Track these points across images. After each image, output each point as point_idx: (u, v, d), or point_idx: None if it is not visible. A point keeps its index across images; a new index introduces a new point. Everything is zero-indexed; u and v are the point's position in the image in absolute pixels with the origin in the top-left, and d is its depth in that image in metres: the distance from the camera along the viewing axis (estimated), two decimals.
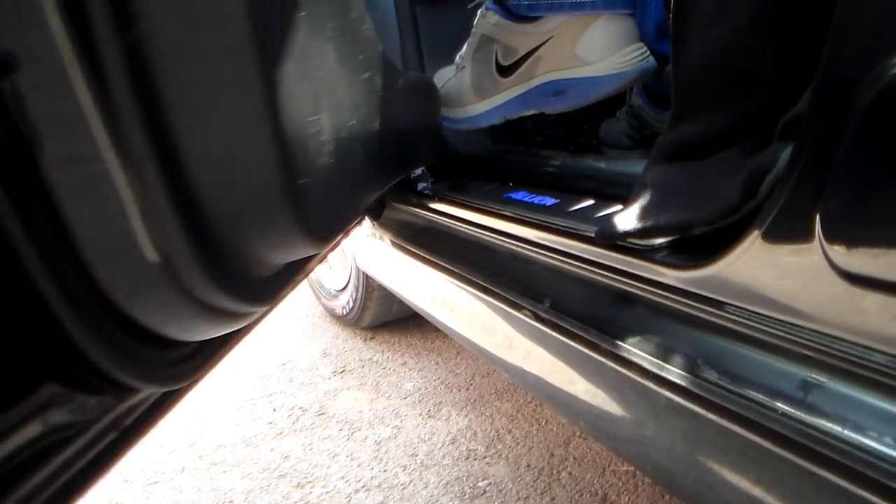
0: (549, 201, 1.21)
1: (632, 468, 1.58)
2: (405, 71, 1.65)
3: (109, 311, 0.67)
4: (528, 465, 1.66)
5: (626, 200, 0.97)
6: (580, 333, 0.98)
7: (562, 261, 1.09)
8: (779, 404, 0.68)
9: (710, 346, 0.78)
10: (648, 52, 1.28)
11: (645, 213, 0.90)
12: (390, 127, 1.31)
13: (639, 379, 0.87)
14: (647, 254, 0.89)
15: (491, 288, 1.23)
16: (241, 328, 0.99)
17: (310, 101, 0.90)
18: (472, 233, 1.37)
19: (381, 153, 1.27)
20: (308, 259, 1.12)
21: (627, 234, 0.92)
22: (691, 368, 0.77)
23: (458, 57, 1.55)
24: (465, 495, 1.63)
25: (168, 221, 0.64)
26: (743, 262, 0.73)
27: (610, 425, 0.99)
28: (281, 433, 2.03)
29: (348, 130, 1.05)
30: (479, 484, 1.62)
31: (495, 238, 1.29)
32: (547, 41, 1.34)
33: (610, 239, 0.95)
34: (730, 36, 0.79)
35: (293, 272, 1.07)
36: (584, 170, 1.27)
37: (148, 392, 0.82)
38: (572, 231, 1.06)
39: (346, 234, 1.44)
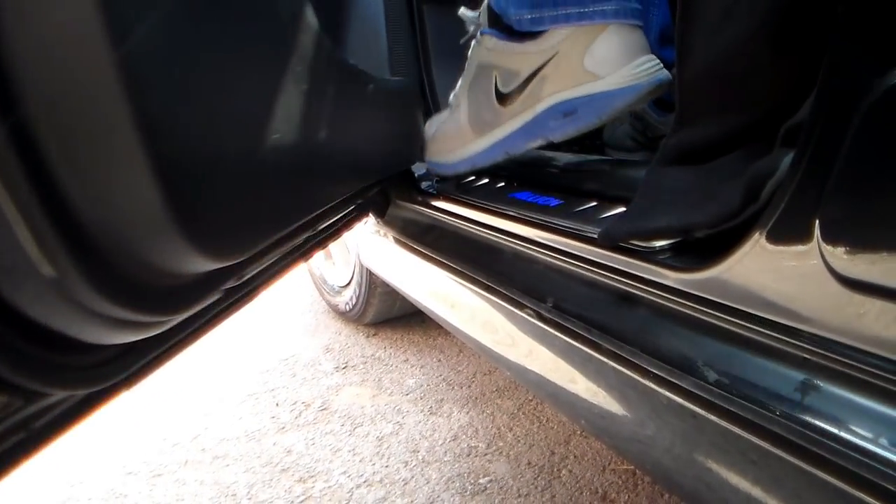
0: (554, 202, 1.22)
1: (632, 467, 1.59)
2: (395, 74, 1.59)
3: (12, 320, 0.76)
4: (529, 463, 1.67)
5: (629, 202, 0.97)
6: (582, 333, 0.99)
7: (565, 261, 1.10)
8: (777, 406, 0.69)
9: (710, 347, 0.79)
10: (661, 64, 1.19)
11: (648, 216, 0.91)
12: (354, 133, 1.33)
13: (639, 379, 0.88)
14: (649, 255, 0.90)
15: (494, 286, 1.24)
16: (187, 334, 1.14)
17: (203, 123, 0.92)
18: (476, 232, 1.38)
19: (338, 160, 1.29)
20: (239, 266, 1.12)
21: (630, 235, 0.93)
22: (691, 369, 0.78)
23: (451, 97, 1.46)
24: (466, 492, 1.64)
25: (56, 245, 0.75)
26: (743, 266, 0.74)
27: (610, 424, 1.00)
28: (283, 428, 2.04)
29: (266, 144, 1.04)
30: (481, 480, 1.63)
31: (499, 237, 1.30)
32: (552, 58, 1.23)
33: (613, 240, 0.96)
34: (734, 42, 0.79)
35: (217, 281, 1.08)
36: (589, 171, 1.28)
37: (63, 395, 0.90)
38: (576, 232, 1.07)
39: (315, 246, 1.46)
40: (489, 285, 1.26)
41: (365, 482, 1.75)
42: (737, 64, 0.81)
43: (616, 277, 0.97)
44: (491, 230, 1.33)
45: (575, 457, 1.68)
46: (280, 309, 3.11)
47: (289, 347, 2.64)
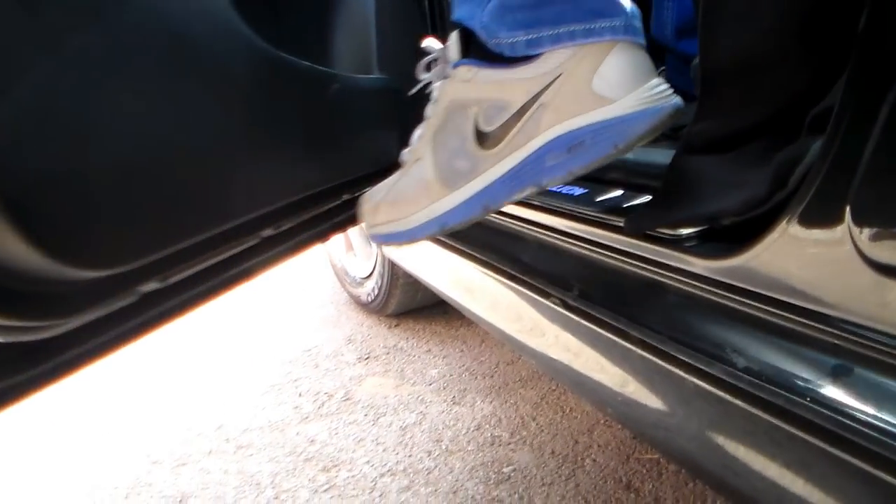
0: (578, 191, 1.21)
1: (656, 456, 1.59)
2: (383, 71, 1.51)
3: None
4: (553, 452, 1.68)
5: (654, 191, 0.98)
6: (609, 321, 0.99)
7: (590, 250, 1.10)
8: (808, 392, 0.69)
9: (738, 334, 0.79)
10: (673, 89, 1.03)
11: (674, 204, 0.91)
12: (304, 134, 1.30)
13: (667, 366, 0.88)
14: (676, 243, 0.90)
15: (518, 276, 1.24)
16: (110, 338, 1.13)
17: (55, 137, 0.93)
18: (499, 221, 1.38)
19: (278, 161, 1.27)
20: (153, 269, 1.13)
21: (657, 224, 0.93)
22: (720, 356, 0.78)
23: (404, 153, 1.20)
24: (489, 480, 1.64)
25: None
26: (772, 252, 0.74)
27: (637, 412, 1.00)
28: (307, 418, 2.05)
29: (149, 153, 1.04)
30: (504, 469, 1.64)
31: (523, 227, 1.31)
32: (554, 81, 1.03)
33: (640, 229, 0.96)
34: (761, 33, 0.79)
35: (120, 287, 1.09)
36: (613, 160, 1.27)
37: None
38: (601, 220, 1.07)
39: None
40: (513, 274, 1.26)
41: (388, 471, 1.75)
42: (764, 54, 0.81)
43: (643, 265, 0.97)
44: (514, 220, 1.33)
45: (599, 446, 1.68)
46: (302, 300, 3.12)
47: (311, 338, 2.65)
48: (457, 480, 1.67)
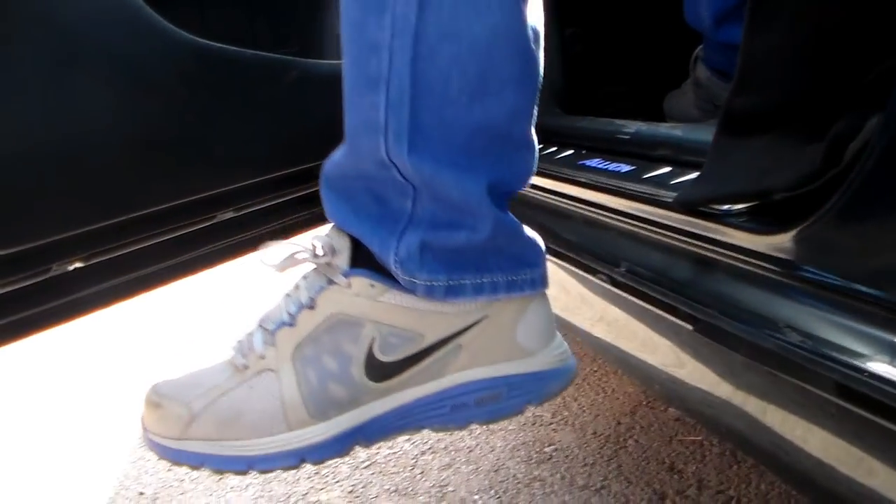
0: (625, 168, 1.20)
1: (700, 438, 1.58)
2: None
3: None
4: (595, 433, 1.67)
5: (703, 167, 0.96)
6: (658, 297, 0.98)
7: (638, 226, 1.09)
8: (865, 367, 0.68)
9: (791, 309, 0.78)
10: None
11: (724, 180, 0.90)
12: (248, 121, 1.27)
13: (717, 341, 0.87)
14: (726, 219, 0.89)
15: (564, 252, 1.24)
16: None
17: None
18: (544, 199, 1.37)
19: (212, 149, 1.24)
20: (61, 249, 1.12)
21: (707, 199, 0.92)
22: (773, 331, 0.77)
23: (238, 351, 0.95)
24: (531, 460, 1.64)
25: None
26: (825, 229, 0.73)
27: (686, 388, 0.99)
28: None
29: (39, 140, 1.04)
30: (546, 449, 1.64)
31: (568, 204, 1.30)
32: (477, 323, 0.94)
33: (689, 205, 0.95)
34: (818, 10, 0.78)
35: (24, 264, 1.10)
36: (660, 137, 1.25)
37: None
38: (649, 197, 1.06)
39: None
40: (559, 251, 1.25)
41: (430, 449, 1.75)
42: (820, 32, 0.79)
43: (692, 241, 0.96)
44: (560, 197, 1.32)
45: (641, 427, 1.67)
46: None
47: None
48: (498, 459, 1.67)
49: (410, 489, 1.65)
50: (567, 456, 1.60)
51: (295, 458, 0.90)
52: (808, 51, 0.82)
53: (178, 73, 1.17)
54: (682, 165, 1.12)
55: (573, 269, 1.20)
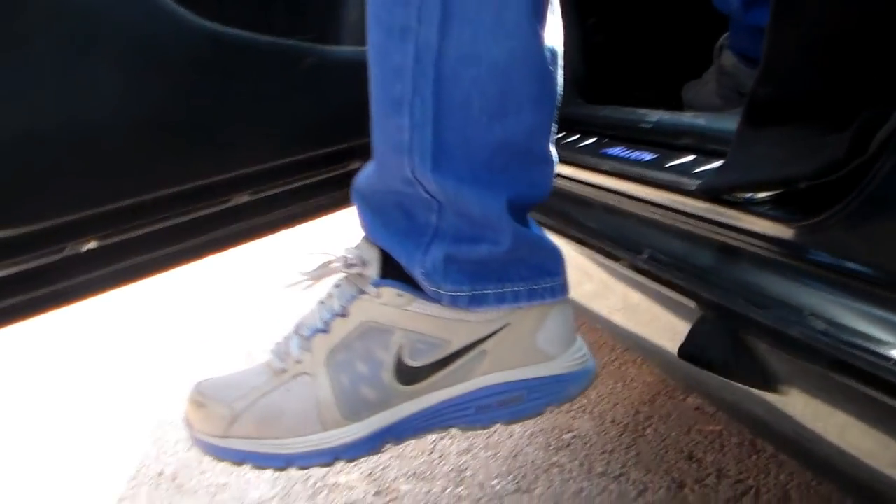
0: (647, 156, 1.20)
1: (719, 428, 1.58)
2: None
3: None
4: (613, 421, 1.67)
5: (727, 155, 0.97)
6: (680, 283, 0.98)
7: (661, 214, 1.09)
8: (889, 355, 0.68)
9: (816, 297, 0.78)
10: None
11: (748, 167, 0.90)
12: (272, 103, 1.28)
13: (741, 328, 0.87)
14: (750, 207, 0.89)
15: (586, 239, 1.24)
16: None
17: None
18: (565, 187, 1.37)
19: (225, 133, 1.24)
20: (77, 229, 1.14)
21: (731, 187, 0.92)
22: (797, 319, 0.77)
23: (275, 355, 1.03)
24: (549, 446, 1.64)
25: None
26: (850, 218, 0.74)
27: (707, 375, 0.99)
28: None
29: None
30: (564, 436, 1.64)
31: (590, 192, 1.30)
32: (499, 330, 0.99)
33: (713, 192, 0.95)
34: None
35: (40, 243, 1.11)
36: (683, 126, 1.25)
37: None
38: (673, 184, 1.06)
39: None
40: (580, 238, 1.25)
41: (448, 434, 1.76)
42: (847, 20, 0.79)
43: (715, 229, 0.96)
44: (582, 185, 1.32)
45: (660, 416, 1.67)
46: None
47: None
48: (516, 445, 1.68)
49: (429, 473, 1.66)
50: (586, 443, 1.61)
51: (329, 456, 0.97)
52: (834, 39, 0.81)
53: (194, 57, 1.18)
54: (705, 154, 1.12)
55: (595, 256, 1.21)
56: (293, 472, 1.56)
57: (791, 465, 1.41)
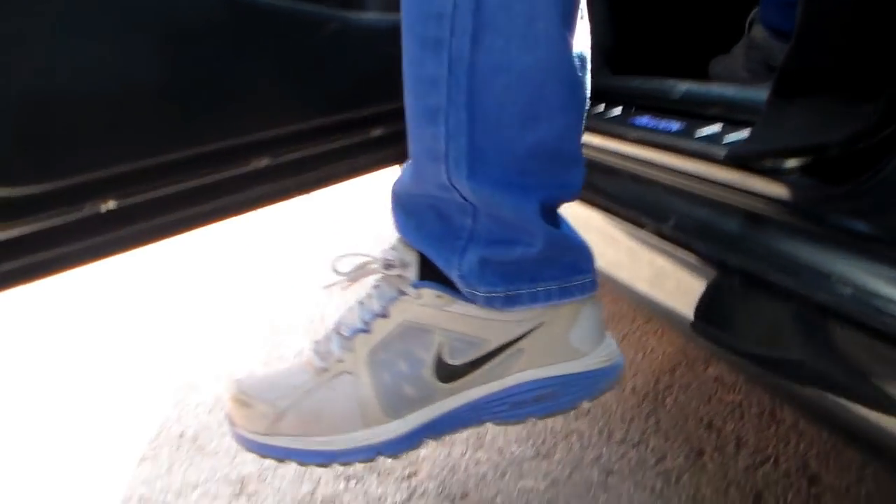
0: (675, 126, 1.20)
1: (739, 398, 1.59)
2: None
3: None
4: (633, 390, 1.68)
5: (756, 124, 0.97)
6: (706, 251, 0.99)
7: (687, 183, 1.09)
8: None
9: (844, 263, 0.78)
10: None
11: (778, 135, 0.90)
12: (293, 68, 1.29)
13: (768, 294, 0.88)
14: (778, 175, 0.89)
15: (611, 207, 1.24)
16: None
17: None
18: (591, 156, 1.38)
19: (267, 93, 1.27)
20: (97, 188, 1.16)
21: (760, 154, 0.92)
22: (825, 284, 0.78)
23: (316, 354, 1.07)
24: (569, 414, 1.65)
25: None
26: (880, 186, 0.74)
27: (735, 341, 1.00)
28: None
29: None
30: (584, 404, 1.64)
31: (616, 161, 1.30)
32: (534, 329, 1.03)
33: (741, 160, 0.95)
34: None
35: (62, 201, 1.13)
36: (712, 96, 1.24)
37: None
38: (701, 153, 1.06)
39: None
40: (605, 205, 1.26)
41: None
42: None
43: (743, 197, 0.97)
44: (607, 154, 1.32)
45: (680, 386, 1.68)
46: (381, 236, 3.15)
47: None
48: None
49: (448, 438, 1.67)
50: (605, 411, 1.61)
51: (372, 453, 1.01)
52: (867, 9, 0.82)
53: (217, 21, 1.19)
54: (734, 123, 1.12)
55: (621, 224, 1.21)
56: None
57: (811, 435, 1.42)
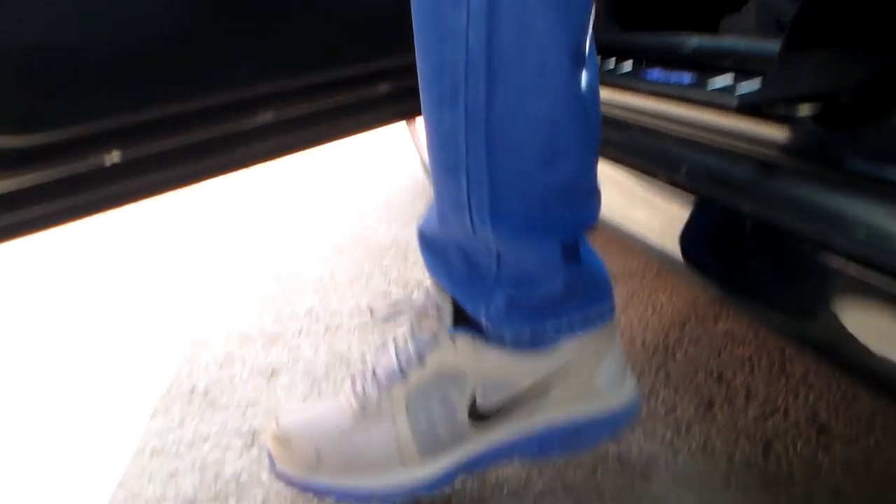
0: (687, 78, 1.20)
1: (749, 351, 1.59)
2: None
3: None
4: (644, 344, 1.69)
5: (768, 72, 0.97)
6: (720, 197, 0.99)
7: (700, 133, 1.09)
8: None
9: (857, 206, 0.79)
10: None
11: (789, 82, 0.91)
12: (297, 18, 1.27)
13: (782, 239, 0.88)
14: (791, 121, 0.89)
15: (622, 158, 1.24)
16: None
17: None
18: (602, 110, 1.38)
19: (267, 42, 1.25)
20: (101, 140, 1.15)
21: (772, 100, 0.93)
22: (839, 228, 0.78)
23: (353, 398, 1.13)
24: None
25: None
26: (890, 129, 0.74)
27: (748, 288, 1.00)
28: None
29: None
30: None
31: (627, 113, 1.30)
32: (561, 369, 1.09)
33: (754, 107, 0.96)
34: None
35: (65, 153, 1.13)
36: (724, 48, 1.24)
37: None
38: (713, 103, 1.06)
39: None
40: (617, 157, 1.26)
41: None
42: None
43: (755, 146, 0.97)
44: (618, 108, 1.32)
45: (690, 340, 1.68)
46: (388, 197, 3.15)
47: (400, 233, 2.68)
48: None
49: None
50: None
51: (409, 494, 1.09)
52: None
53: None
54: (746, 74, 1.12)
55: (634, 176, 1.21)
56: (324, 388, 1.59)
57: (820, 388, 1.42)
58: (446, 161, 0.96)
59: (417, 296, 1.09)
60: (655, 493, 1.18)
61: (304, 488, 1.12)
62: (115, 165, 1.16)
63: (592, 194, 1.03)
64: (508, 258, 1.01)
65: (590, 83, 0.94)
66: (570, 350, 1.09)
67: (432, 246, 1.11)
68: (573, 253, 1.03)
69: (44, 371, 1.82)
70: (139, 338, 1.97)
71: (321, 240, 2.67)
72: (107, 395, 1.66)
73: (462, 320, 1.09)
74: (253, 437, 1.42)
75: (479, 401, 1.08)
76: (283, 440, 1.13)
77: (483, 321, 1.06)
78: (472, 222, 0.97)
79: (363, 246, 2.57)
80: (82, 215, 1.20)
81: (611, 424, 1.15)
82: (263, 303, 2.14)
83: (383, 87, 1.48)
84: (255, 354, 1.81)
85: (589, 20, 0.91)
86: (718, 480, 1.20)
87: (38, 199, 1.12)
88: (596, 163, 1.01)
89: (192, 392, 1.64)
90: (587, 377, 1.11)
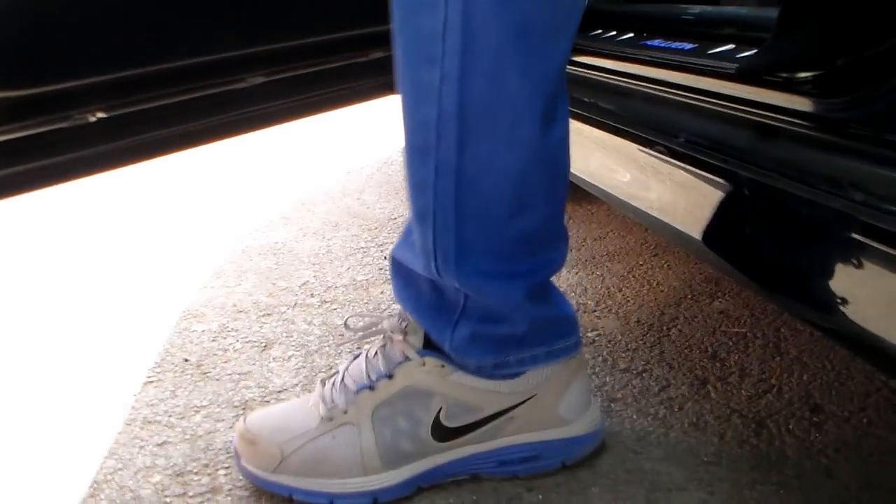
0: (688, 46, 1.19)
1: (744, 330, 1.59)
2: None
3: None
4: (639, 321, 1.68)
5: (768, 38, 0.96)
6: (719, 164, 0.97)
7: (699, 100, 1.08)
8: None
9: (856, 170, 0.77)
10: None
11: (788, 48, 0.90)
12: None
13: (782, 203, 0.87)
14: (791, 86, 0.88)
15: (621, 128, 1.23)
16: None
17: None
18: (601, 78, 1.36)
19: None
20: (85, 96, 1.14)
21: (771, 66, 0.92)
22: (837, 192, 0.77)
23: (322, 405, 1.15)
24: None
25: None
26: (888, 93, 0.73)
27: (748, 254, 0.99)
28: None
29: None
30: (589, 334, 1.64)
31: (627, 82, 1.29)
32: (527, 400, 1.15)
33: (754, 73, 0.94)
34: None
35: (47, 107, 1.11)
36: (726, 16, 1.23)
37: None
38: (712, 69, 1.05)
39: None
40: (616, 127, 1.25)
41: None
42: None
43: (755, 111, 0.95)
44: (618, 76, 1.31)
45: (685, 318, 1.67)
46: (386, 173, 3.14)
47: (395, 208, 2.67)
48: None
49: None
50: (610, 341, 1.61)
51: (369, 498, 1.12)
52: None
53: None
54: (746, 42, 1.11)
55: (629, 143, 1.20)
56: (317, 361, 1.58)
57: (814, 367, 1.41)
58: (417, 209, 1.00)
59: (394, 319, 1.14)
60: (647, 469, 1.17)
61: (266, 486, 1.15)
62: (99, 122, 1.15)
63: (559, 239, 1.09)
64: (473, 298, 1.06)
65: (560, 137, 0.98)
66: (535, 379, 1.14)
67: (403, 272, 1.14)
68: (539, 295, 1.10)
69: (36, 340, 1.81)
70: (133, 309, 1.96)
71: (317, 214, 2.66)
72: (99, 365, 1.65)
73: (432, 344, 1.13)
74: (244, 409, 1.41)
75: (443, 420, 1.12)
76: (250, 440, 1.16)
77: (447, 349, 1.11)
78: (437, 267, 1.02)
79: (359, 221, 2.56)
80: (68, 177, 1.18)
81: (570, 450, 1.18)
82: (259, 276, 2.13)
83: (377, 53, 1.47)
84: (248, 326, 1.79)
85: (563, 80, 0.95)
86: (710, 458, 1.18)
87: (20, 156, 1.11)
88: (563, 212, 1.05)
89: (185, 362, 1.63)
90: (551, 405, 1.16)
